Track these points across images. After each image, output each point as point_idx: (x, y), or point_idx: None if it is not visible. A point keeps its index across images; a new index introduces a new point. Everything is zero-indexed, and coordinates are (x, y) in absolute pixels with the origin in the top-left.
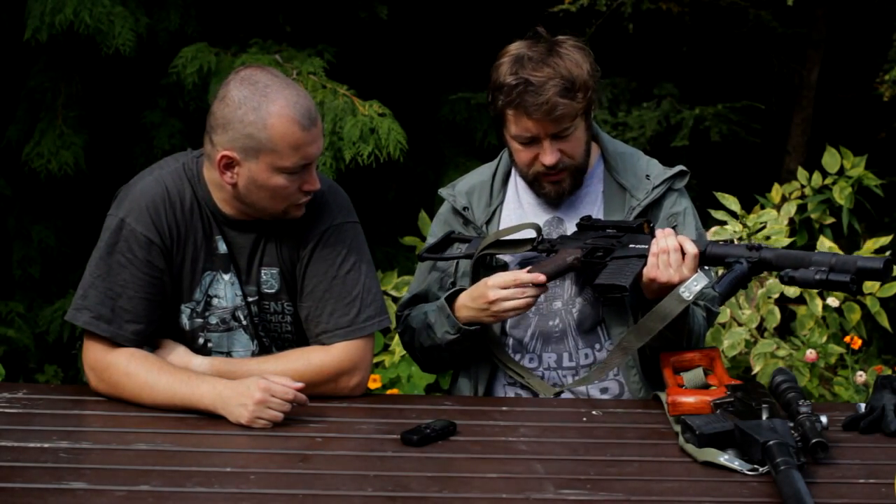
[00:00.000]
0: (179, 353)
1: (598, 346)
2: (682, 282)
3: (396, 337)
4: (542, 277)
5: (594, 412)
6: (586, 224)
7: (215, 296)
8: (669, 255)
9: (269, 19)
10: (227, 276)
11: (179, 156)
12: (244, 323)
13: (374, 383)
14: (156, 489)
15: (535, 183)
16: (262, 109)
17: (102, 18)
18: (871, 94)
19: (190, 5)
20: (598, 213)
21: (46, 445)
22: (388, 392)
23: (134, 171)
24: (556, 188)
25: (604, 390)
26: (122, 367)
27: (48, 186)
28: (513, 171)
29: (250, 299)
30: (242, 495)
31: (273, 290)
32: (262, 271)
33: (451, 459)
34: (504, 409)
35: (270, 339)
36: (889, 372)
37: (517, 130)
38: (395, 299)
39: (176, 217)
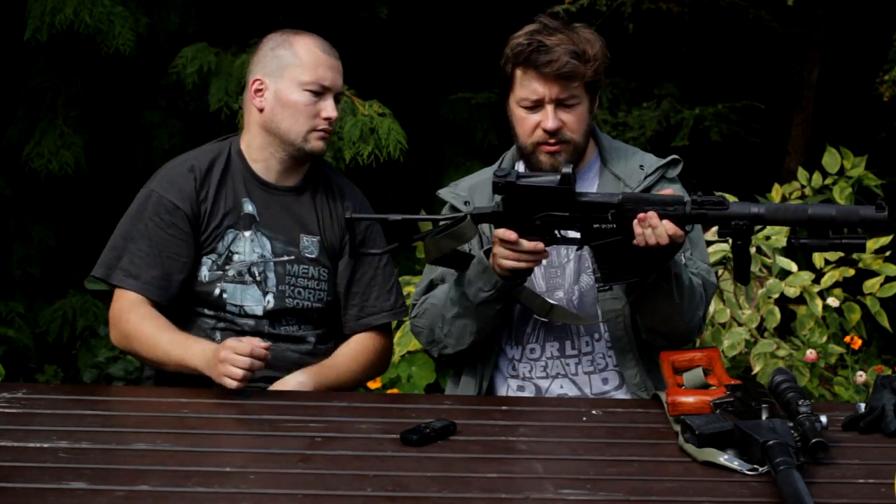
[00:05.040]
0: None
1: (596, 335)
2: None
3: (396, 337)
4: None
5: (594, 412)
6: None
7: (236, 252)
8: (658, 246)
9: (269, 19)
10: (247, 234)
11: (214, 141)
12: (257, 279)
13: (374, 383)
14: (156, 489)
15: (532, 156)
16: (290, 39)
17: (102, 18)
18: (871, 94)
19: (190, 5)
20: None
21: (46, 445)
22: (388, 392)
23: (134, 171)
24: (551, 159)
25: (605, 380)
26: (133, 321)
27: (48, 186)
28: (514, 169)
29: (288, 258)
30: (242, 495)
31: (313, 256)
32: (303, 238)
33: (451, 459)
34: (504, 408)
35: (296, 301)
36: (889, 372)
37: (523, 93)
38: None
39: (205, 182)
